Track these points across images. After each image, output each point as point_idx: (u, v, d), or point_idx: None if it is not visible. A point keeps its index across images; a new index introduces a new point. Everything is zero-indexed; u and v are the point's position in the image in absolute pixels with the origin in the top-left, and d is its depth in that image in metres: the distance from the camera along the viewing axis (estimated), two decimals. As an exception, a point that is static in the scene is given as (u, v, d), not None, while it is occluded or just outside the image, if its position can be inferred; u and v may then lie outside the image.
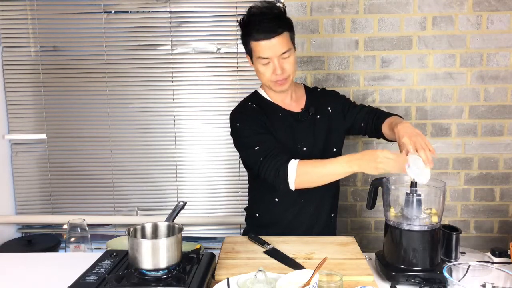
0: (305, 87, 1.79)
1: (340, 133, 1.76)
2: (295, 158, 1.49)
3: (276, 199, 1.68)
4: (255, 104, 1.66)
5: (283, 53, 1.51)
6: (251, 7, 1.54)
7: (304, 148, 1.66)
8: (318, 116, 1.69)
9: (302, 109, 1.68)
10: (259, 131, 1.57)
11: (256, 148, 1.53)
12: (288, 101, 1.69)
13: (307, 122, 1.68)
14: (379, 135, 1.68)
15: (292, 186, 1.47)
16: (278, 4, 1.59)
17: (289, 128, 1.65)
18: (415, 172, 1.29)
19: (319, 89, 1.79)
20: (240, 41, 1.63)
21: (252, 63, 1.61)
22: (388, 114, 1.68)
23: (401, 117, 1.65)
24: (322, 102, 1.73)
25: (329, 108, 1.72)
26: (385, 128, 1.62)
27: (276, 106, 1.67)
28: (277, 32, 1.49)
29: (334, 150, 1.72)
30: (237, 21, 1.61)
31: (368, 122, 1.72)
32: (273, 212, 1.70)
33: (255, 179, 1.73)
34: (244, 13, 1.55)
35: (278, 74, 1.53)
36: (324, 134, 1.69)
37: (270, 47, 1.50)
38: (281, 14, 1.53)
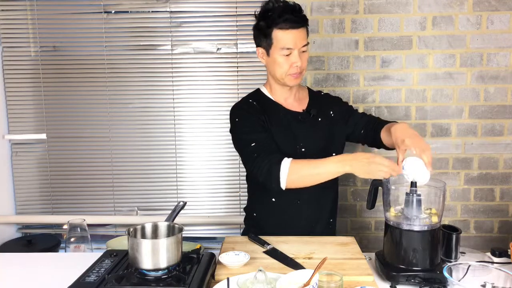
0: (309, 89, 1.80)
1: (341, 138, 1.76)
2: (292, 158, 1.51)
3: (273, 199, 1.66)
4: (256, 102, 1.67)
5: (304, 45, 1.56)
6: (268, 1, 1.56)
7: (303, 149, 1.65)
8: (319, 119, 1.69)
9: (303, 110, 1.69)
10: (255, 128, 1.58)
11: (252, 145, 1.53)
12: (291, 101, 1.70)
13: (308, 123, 1.68)
14: (378, 142, 1.68)
15: (284, 185, 1.47)
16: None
17: (289, 127, 1.65)
18: (413, 173, 1.31)
19: (322, 93, 1.81)
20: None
21: (268, 55, 1.59)
22: (388, 122, 1.68)
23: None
24: (324, 105, 1.73)
25: (331, 112, 1.73)
26: (383, 133, 1.62)
27: (278, 105, 1.67)
28: (302, 24, 1.55)
29: (334, 154, 1.62)
30: (254, 14, 1.62)
31: (368, 129, 1.72)
32: (269, 212, 1.69)
33: (252, 178, 1.73)
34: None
35: (297, 67, 1.55)
36: (325, 137, 1.69)
37: (297, 37, 1.53)
38: (301, 9, 1.58)
